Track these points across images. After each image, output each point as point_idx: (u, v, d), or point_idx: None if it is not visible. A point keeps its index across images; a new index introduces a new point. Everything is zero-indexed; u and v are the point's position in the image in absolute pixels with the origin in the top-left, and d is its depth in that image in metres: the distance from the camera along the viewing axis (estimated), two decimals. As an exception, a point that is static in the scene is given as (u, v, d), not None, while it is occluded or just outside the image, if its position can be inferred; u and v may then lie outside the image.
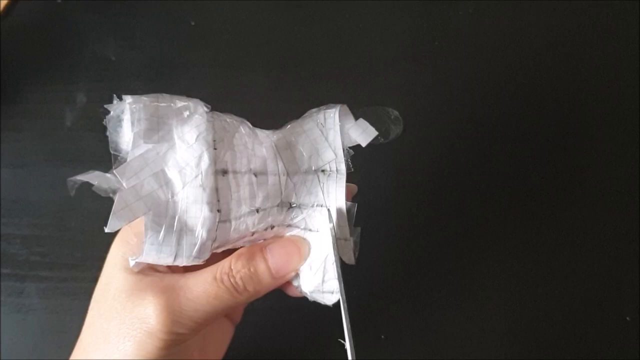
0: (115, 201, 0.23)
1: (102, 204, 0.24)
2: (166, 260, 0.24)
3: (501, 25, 0.50)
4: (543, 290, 0.40)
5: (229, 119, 0.27)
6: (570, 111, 0.46)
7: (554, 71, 0.48)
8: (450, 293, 0.41)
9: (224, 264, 0.26)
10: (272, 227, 0.28)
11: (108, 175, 0.24)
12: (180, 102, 0.25)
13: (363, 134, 0.29)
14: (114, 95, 0.25)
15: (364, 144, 0.29)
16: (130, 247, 0.26)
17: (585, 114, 0.46)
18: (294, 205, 0.28)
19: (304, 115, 0.30)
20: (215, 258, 0.26)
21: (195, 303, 0.25)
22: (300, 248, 0.28)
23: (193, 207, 0.24)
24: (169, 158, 0.24)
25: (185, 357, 0.27)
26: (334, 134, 0.28)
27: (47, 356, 0.39)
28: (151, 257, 0.24)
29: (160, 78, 0.48)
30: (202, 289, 0.25)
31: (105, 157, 0.24)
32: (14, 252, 0.42)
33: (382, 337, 0.39)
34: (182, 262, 0.24)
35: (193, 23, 0.50)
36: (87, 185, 0.24)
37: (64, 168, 0.44)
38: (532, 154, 0.45)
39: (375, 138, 0.29)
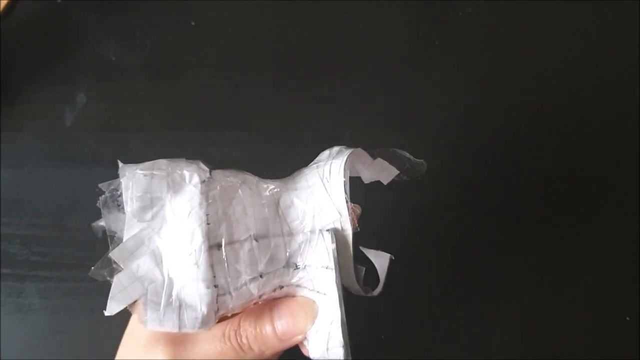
0: (112, 285, 0.23)
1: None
2: (171, 331, 0.24)
3: (501, 25, 0.50)
4: (543, 291, 0.40)
5: (230, 179, 0.26)
6: (569, 111, 0.46)
7: (554, 71, 0.48)
8: (450, 293, 0.40)
9: (235, 321, 0.26)
10: (281, 287, 0.27)
11: (121, 214, 0.24)
12: (176, 171, 0.25)
13: (384, 172, 0.27)
14: (118, 160, 0.24)
15: (385, 182, 0.27)
16: None
17: (585, 114, 0.46)
18: (300, 266, 0.27)
19: (314, 161, 0.29)
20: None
21: (201, 358, 0.25)
22: (308, 311, 0.26)
23: (189, 285, 0.23)
24: (163, 234, 0.24)
25: None
26: (338, 190, 0.26)
27: (47, 356, 0.39)
28: (155, 329, 0.23)
29: (160, 78, 0.48)
30: (210, 345, 0.25)
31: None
32: (14, 252, 0.42)
33: (382, 337, 0.39)
34: (187, 331, 0.24)
35: (193, 23, 0.50)
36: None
37: (64, 168, 0.44)
38: (530, 155, 0.45)
39: (398, 175, 0.27)
